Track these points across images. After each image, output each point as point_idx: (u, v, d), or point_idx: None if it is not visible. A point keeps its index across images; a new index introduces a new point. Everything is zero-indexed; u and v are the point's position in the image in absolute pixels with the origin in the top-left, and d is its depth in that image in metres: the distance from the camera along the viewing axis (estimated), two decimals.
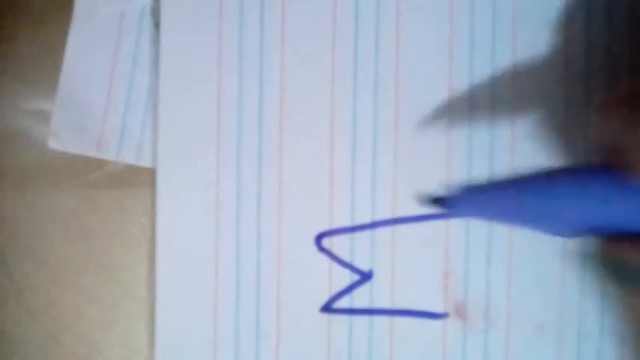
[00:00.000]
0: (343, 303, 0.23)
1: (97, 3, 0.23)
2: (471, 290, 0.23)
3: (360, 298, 0.23)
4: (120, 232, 0.23)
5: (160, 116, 0.23)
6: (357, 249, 0.23)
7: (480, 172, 0.23)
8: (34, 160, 0.23)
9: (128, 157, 0.23)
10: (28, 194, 0.23)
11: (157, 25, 0.23)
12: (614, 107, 0.19)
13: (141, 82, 0.23)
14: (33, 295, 0.23)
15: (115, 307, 0.23)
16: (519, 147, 0.23)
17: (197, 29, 0.23)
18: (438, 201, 0.23)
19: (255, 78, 0.23)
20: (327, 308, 0.23)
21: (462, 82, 0.23)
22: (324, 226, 0.23)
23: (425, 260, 0.23)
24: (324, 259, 0.23)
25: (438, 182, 0.23)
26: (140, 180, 0.23)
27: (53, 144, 0.23)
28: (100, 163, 0.23)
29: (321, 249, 0.23)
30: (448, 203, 0.22)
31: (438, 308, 0.23)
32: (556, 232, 0.21)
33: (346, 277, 0.23)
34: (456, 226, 0.23)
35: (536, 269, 0.23)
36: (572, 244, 0.23)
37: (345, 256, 0.23)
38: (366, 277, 0.23)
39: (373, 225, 0.23)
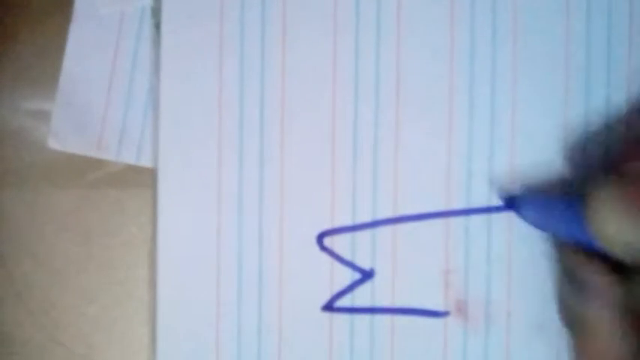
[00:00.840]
0: (344, 302, 0.23)
1: (97, 3, 0.23)
2: (471, 289, 0.23)
3: (361, 296, 0.23)
4: (120, 232, 0.23)
5: (161, 116, 0.23)
6: (358, 248, 0.23)
7: (481, 171, 0.23)
8: (34, 160, 0.23)
9: (128, 157, 0.23)
10: (28, 194, 0.23)
11: (157, 26, 0.23)
12: None
13: (141, 82, 0.23)
14: (33, 295, 0.23)
15: (115, 307, 0.23)
16: (520, 147, 0.23)
17: (198, 29, 0.23)
18: (509, 200, 0.23)
19: (256, 78, 0.23)
20: (328, 307, 0.23)
21: (462, 82, 0.23)
22: (326, 225, 0.23)
23: (426, 259, 0.23)
24: (326, 258, 0.23)
25: (438, 181, 0.23)
26: (140, 180, 0.23)
27: (53, 144, 0.23)
28: (100, 163, 0.23)
29: (323, 248, 0.23)
30: (515, 204, 0.23)
31: (438, 306, 0.23)
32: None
33: (347, 276, 0.23)
34: (457, 225, 0.23)
35: (537, 268, 0.23)
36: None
37: (346, 255, 0.23)
38: (367, 275, 0.23)
39: (374, 224, 0.23)
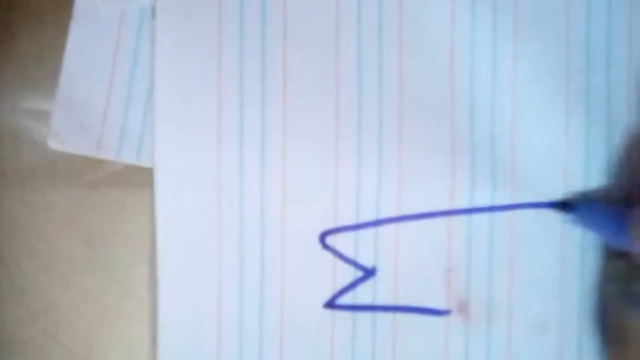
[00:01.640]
0: (347, 299, 0.23)
1: (97, 3, 0.23)
2: (473, 287, 0.23)
3: (363, 294, 0.23)
4: (120, 232, 0.23)
5: (158, 115, 0.23)
6: (360, 246, 0.23)
7: (483, 171, 0.23)
8: (34, 160, 0.23)
9: (128, 157, 0.23)
10: (28, 194, 0.23)
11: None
12: None
13: (141, 82, 0.23)
14: (33, 295, 0.23)
15: (115, 307, 0.23)
16: (519, 147, 0.23)
17: (196, 27, 0.23)
18: (563, 205, 0.23)
19: (256, 77, 0.23)
20: (330, 305, 0.23)
21: (464, 81, 0.23)
22: (329, 224, 0.23)
23: (428, 257, 0.23)
24: (328, 256, 0.23)
25: (441, 180, 0.23)
26: (140, 180, 0.23)
27: (53, 144, 0.23)
28: (100, 163, 0.23)
29: (325, 246, 0.23)
30: (570, 209, 0.23)
31: (440, 305, 0.23)
32: None
33: (350, 274, 0.23)
34: (459, 224, 0.23)
35: (538, 266, 0.23)
36: (573, 241, 0.24)
37: (348, 253, 0.23)
38: (369, 273, 0.23)
39: (377, 222, 0.23)
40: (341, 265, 0.23)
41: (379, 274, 0.23)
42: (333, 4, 0.23)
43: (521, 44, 0.23)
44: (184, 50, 0.23)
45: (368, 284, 0.23)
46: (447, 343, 0.23)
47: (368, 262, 0.23)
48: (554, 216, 0.23)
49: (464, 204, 0.23)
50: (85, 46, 0.23)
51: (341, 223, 0.23)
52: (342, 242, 0.23)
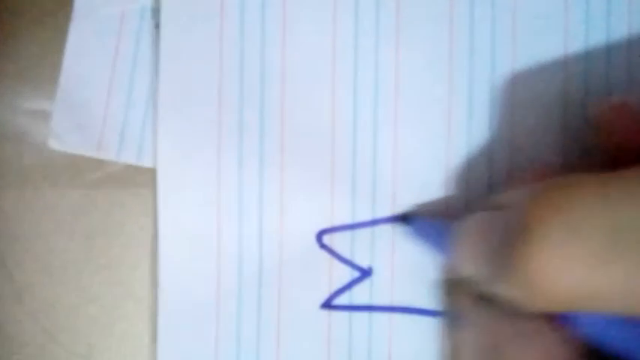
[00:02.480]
0: (343, 300, 0.23)
1: (97, 3, 0.23)
2: None
3: (359, 294, 0.23)
4: (120, 232, 0.23)
5: (160, 115, 0.23)
6: (357, 246, 0.23)
7: (479, 171, 0.23)
8: (34, 160, 0.23)
9: (128, 157, 0.23)
10: (28, 194, 0.23)
11: (157, 26, 0.23)
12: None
13: (141, 82, 0.23)
14: (33, 295, 0.23)
15: (115, 307, 0.23)
16: (518, 147, 0.24)
17: (197, 28, 0.23)
18: (403, 218, 0.23)
19: (256, 77, 0.23)
20: (327, 305, 0.23)
21: (461, 82, 0.23)
22: (325, 223, 0.23)
23: (424, 258, 0.23)
24: (325, 256, 0.23)
25: (437, 181, 0.23)
26: (140, 180, 0.23)
27: (53, 144, 0.23)
28: (100, 163, 0.23)
29: (322, 246, 0.23)
30: (406, 222, 0.23)
31: (437, 306, 0.23)
32: None
33: (346, 274, 0.23)
34: None
35: None
36: None
37: (345, 253, 0.23)
38: (365, 273, 0.23)
39: (373, 222, 0.23)
40: (337, 265, 0.23)
41: (375, 274, 0.23)
42: (331, 3, 0.23)
43: (520, 45, 0.23)
44: (187, 52, 0.23)
45: (364, 284, 0.23)
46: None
47: (364, 262, 0.23)
48: None
49: (460, 204, 0.24)
50: (85, 46, 0.23)
51: (337, 222, 0.23)
52: (338, 242, 0.23)
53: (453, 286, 0.21)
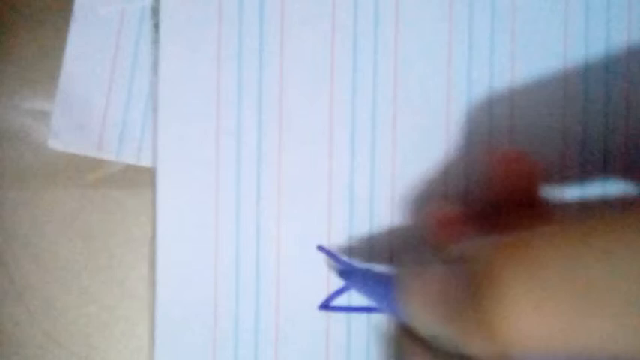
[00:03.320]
0: (341, 301, 0.23)
1: (97, 3, 0.23)
2: None
3: (357, 296, 0.23)
4: (120, 232, 0.23)
5: (160, 116, 0.23)
6: (355, 246, 0.23)
7: (477, 173, 0.23)
8: (34, 160, 0.23)
9: (128, 157, 0.23)
10: (28, 194, 0.23)
11: (156, 26, 0.23)
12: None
13: (141, 82, 0.23)
14: (33, 296, 0.23)
15: (115, 307, 0.23)
16: (517, 147, 0.24)
17: (197, 29, 0.23)
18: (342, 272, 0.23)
19: (254, 78, 0.23)
20: (325, 306, 0.23)
21: (460, 83, 0.23)
22: (323, 225, 0.23)
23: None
24: (323, 257, 0.23)
25: (435, 182, 0.23)
26: (140, 180, 0.23)
27: (53, 144, 0.23)
28: (100, 163, 0.23)
29: (320, 247, 0.23)
30: (343, 273, 0.23)
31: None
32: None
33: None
34: None
35: None
36: None
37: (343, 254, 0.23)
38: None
39: (371, 223, 0.23)
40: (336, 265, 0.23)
41: None
42: (330, 4, 0.23)
43: (519, 44, 0.23)
44: (186, 52, 0.23)
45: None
46: None
47: (362, 263, 0.23)
48: None
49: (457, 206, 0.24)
50: (85, 46, 0.23)
51: (335, 223, 0.23)
52: (336, 243, 0.23)
53: (409, 344, 0.20)
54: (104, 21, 0.23)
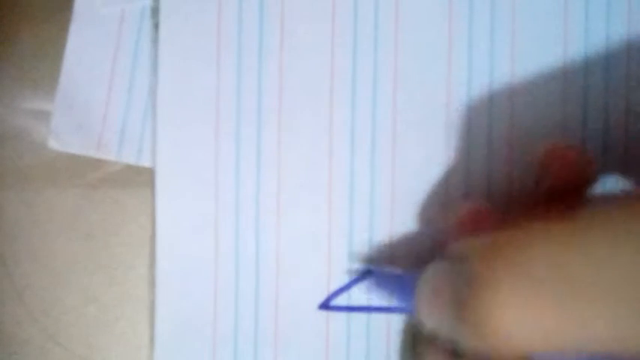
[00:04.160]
0: (341, 301, 0.23)
1: (97, 3, 0.23)
2: None
3: (357, 295, 0.23)
4: (120, 232, 0.23)
5: (159, 115, 0.23)
6: (355, 246, 0.23)
7: (478, 174, 0.23)
8: (34, 160, 0.23)
9: (128, 157, 0.23)
10: (28, 194, 0.23)
11: (156, 26, 0.23)
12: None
13: (141, 82, 0.23)
14: (33, 296, 0.23)
15: (115, 307, 0.23)
16: (516, 148, 0.24)
17: (197, 28, 0.23)
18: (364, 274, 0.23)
19: (254, 78, 0.23)
20: (325, 306, 0.23)
21: (460, 83, 0.23)
22: (323, 223, 0.23)
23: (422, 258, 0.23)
24: (322, 257, 0.23)
25: (436, 183, 0.23)
26: (140, 180, 0.23)
27: (53, 144, 0.23)
28: (100, 163, 0.23)
29: (320, 247, 0.23)
30: (367, 277, 0.23)
31: None
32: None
33: (344, 275, 0.23)
34: None
35: None
36: None
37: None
38: (364, 274, 0.23)
39: (371, 223, 0.23)
40: (335, 265, 0.23)
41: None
42: (329, 4, 0.23)
43: (519, 43, 0.23)
44: (186, 52, 0.23)
45: (363, 285, 0.23)
46: None
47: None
48: None
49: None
50: (85, 46, 0.23)
51: (335, 222, 0.23)
52: (336, 243, 0.23)
53: (423, 342, 0.20)
54: (104, 21, 0.23)
